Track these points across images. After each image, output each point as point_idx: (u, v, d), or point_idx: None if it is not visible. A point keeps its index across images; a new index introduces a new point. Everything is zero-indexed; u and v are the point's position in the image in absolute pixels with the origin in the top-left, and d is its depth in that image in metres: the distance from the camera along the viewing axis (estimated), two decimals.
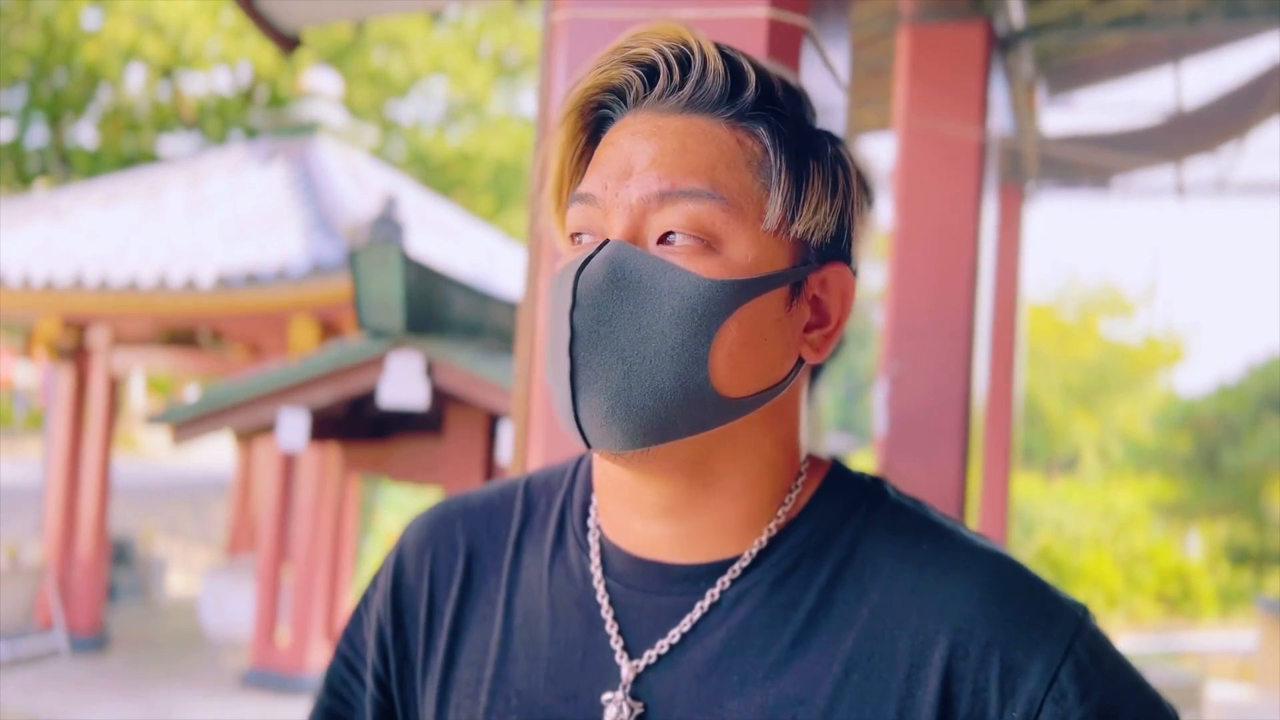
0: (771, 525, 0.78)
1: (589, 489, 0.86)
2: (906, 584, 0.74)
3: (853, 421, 23.44)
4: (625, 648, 0.78)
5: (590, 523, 0.84)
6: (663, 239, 0.72)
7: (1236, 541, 14.66)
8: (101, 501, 8.65)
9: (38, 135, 18.69)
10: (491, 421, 6.22)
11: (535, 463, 1.48)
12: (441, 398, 6.13)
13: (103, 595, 8.74)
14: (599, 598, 0.80)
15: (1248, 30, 4.62)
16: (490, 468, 6.27)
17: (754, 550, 0.77)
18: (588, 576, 0.82)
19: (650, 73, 0.75)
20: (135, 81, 18.50)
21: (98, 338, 8.67)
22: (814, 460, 0.82)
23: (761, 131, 0.74)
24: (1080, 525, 14.25)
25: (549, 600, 0.82)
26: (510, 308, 6.79)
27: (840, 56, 1.49)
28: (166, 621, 9.65)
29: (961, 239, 3.71)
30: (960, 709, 0.70)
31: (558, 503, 0.87)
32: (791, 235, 0.74)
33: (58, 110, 18.23)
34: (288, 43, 3.72)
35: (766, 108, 0.75)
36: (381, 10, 5.40)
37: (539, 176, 1.33)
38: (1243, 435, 14.49)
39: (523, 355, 1.73)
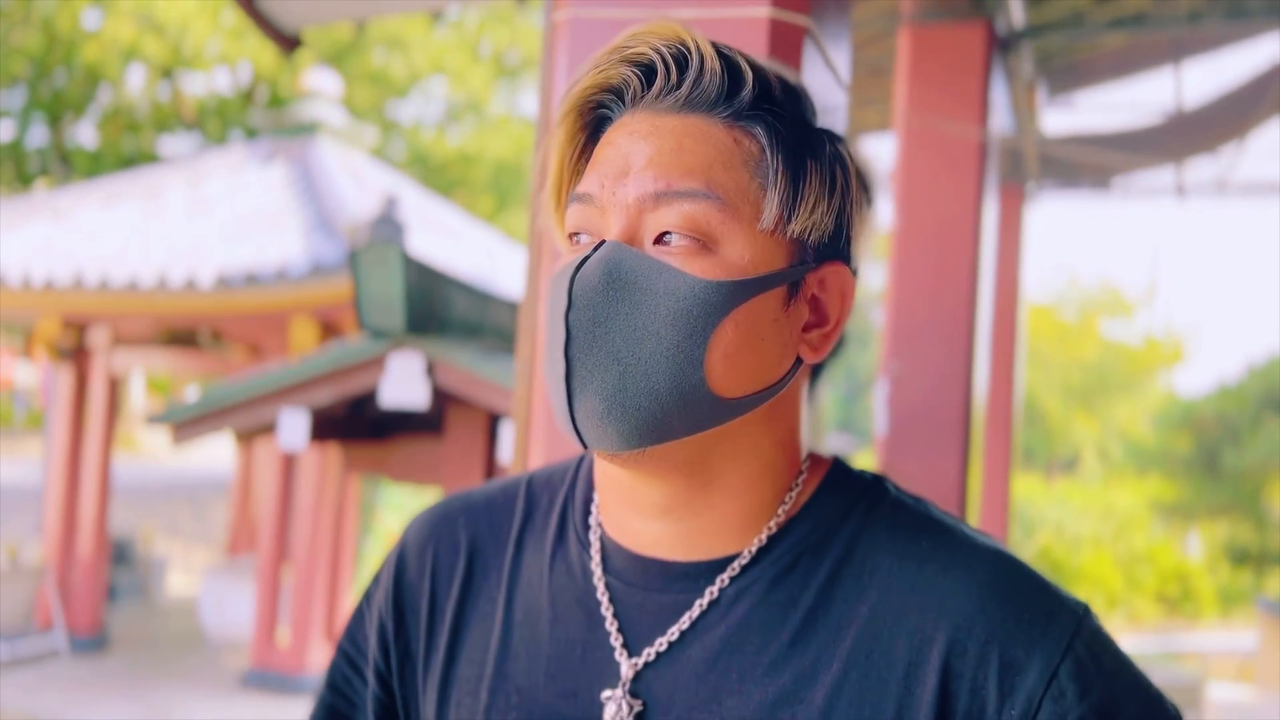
0: (771, 523, 0.78)
1: (591, 487, 0.86)
2: (906, 581, 0.74)
3: (853, 422, 23.44)
4: (625, 645, 0.78)
5: (592, 520, 0.84)
6: (659, 239, 0.72)
7: (1237, 542, 14.65)
8: (101, 501, 8.65)
9: (38, 135, 18.70)
10: (492, 421, 6.22)
11: (536, 463, 1.49)
12: (442, 398, 6.13)
13: (103, 595, 8.74)
14: (599, 595, 0.80)
15: (1248, 30, 4.62)
16: (491, 468, 6.27)
17: (753, 548, 0.77)
18: (588, 574, 0.82)
19: (648, 72, 0.75)
20: (135, 81, 18.51)
21: (98, 338, 8.67)
22: (815, 459, 0.82)
23: (758, 131, 0.74)
24: (1080, 526, 14.25)
25: (549, 598, 0.83)
26: (510, 308, 6.79)
27: (841, 56, 1.49)
28: (166, 621, 9.65)
29: (961, 239, 3.71)
30: (959, 707, 0.70)
31: (559, 500, 0.88)
32: (789, 235, 0.74)
33: (58, 110, 18.24)
34: (288, 43, 3.73)
35: (764, 107, 0.75)
36: (381, 10, 5.40)
37: (539, 176, 1.34)
38: (1243, 436, 14.49)
39: (523, 355, 1.74)
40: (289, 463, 7.69)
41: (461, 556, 0.88)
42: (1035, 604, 0.72)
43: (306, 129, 9.69)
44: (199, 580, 10.01)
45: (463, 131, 20.48)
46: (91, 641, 8.46)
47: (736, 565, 0.77)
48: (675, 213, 0.72)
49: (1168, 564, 13.79)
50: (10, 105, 18.01)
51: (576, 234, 0.77)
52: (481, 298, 6.61)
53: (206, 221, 8.61)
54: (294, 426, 6.20)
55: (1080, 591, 11.97)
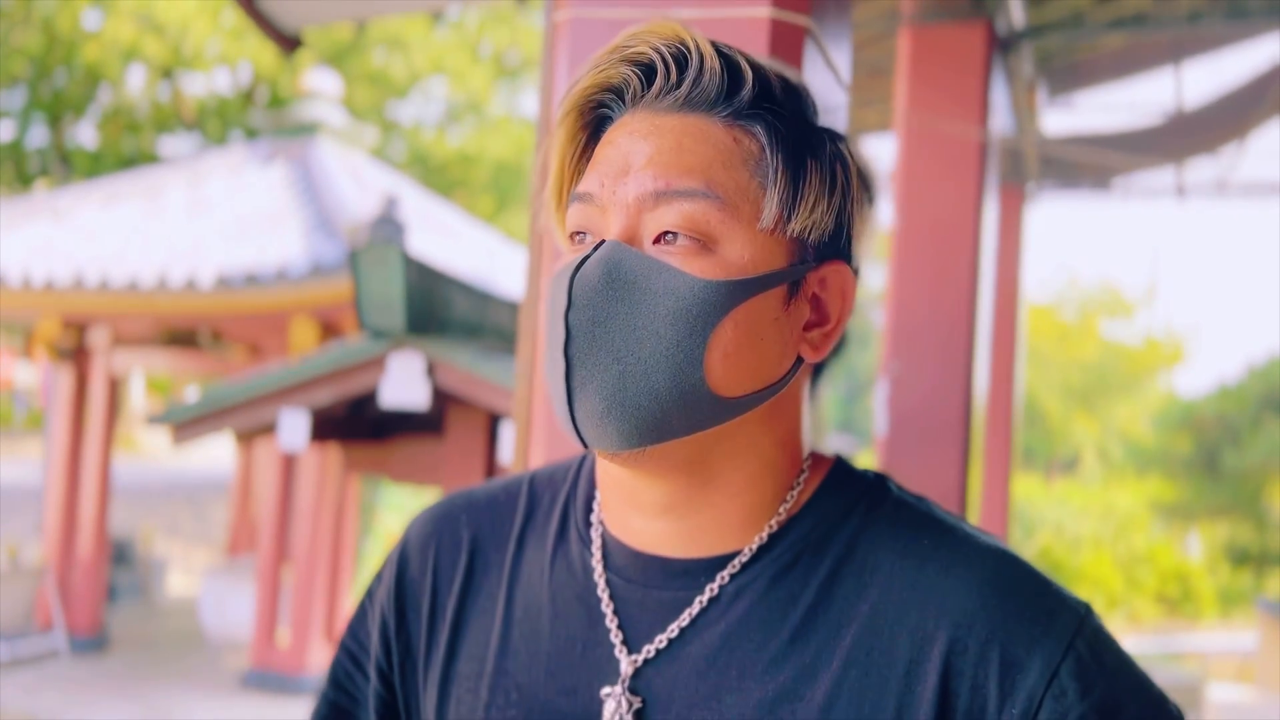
0: (772, 521, 0.78)
1: (592, 485, 0.86)
2: (906, 579, 0.74)
3: (853, 422, 23.44)
4: (625, 642, 0.78)
5: (593, 518, 0.84)
6: (659, 238, 0.72)
7: (1237, 542, 14.65)
8: (101, 502, 8.65)
9: (38, 135, 18.70)
10: (492, 422, 6.22)
11: (536, 463, 1.48)
12: (442, 398, 6.13)
13: (103, 595, 8.74)
14: (600, 592, 0.81)
15: (1248, 31, 4.62)
16: (491, 468, 6.27)
17: (754, 546, 0.77)
18: (589, 571, 0.82)
19: (648, 72, 0.75)
20: (135, 82, 18.51)
21: (98, 338, 8.67)
22: (817, 458, 0.82)
23: (758, 130, 0.74)
24: (1080, 526, 14.25)
25: (550, 595, 0.83)
26: (511, 308, 6.79)
27: (842, 56, 1.49)
28: (166, 622, 9.65)
29: (961, 239, 3.71)
30: (959, 705, 0.70)
31: (561, 498, 0.88)
32: (789, 234, 0.74)
33: (58, 110, 18.24)
34: (288, 43, 3.73)
35: (764, 106, 0.75)
36: (381, 10, 5.40)
37: (540, 176, 1.34)
38: (1243, 436, 14.47)
39: (524, 355, 1.74)
40: (289, 463, 7.69)
41: (463, 554, 0.88)
42: (1037, 603, 0.72)
43: (306, 129, 9.69)
44: (199, 580, 10.01)
45: (463, 132, 20.49)
46: (91, 642, 8.46)
47: (737, 563, 0.77)
48: (675, 212, 0.72)
49: (1168, 564, 13.78)
50: (10, 105, 18.02)
51: (578, 233, 0.77)
52: (481, 298, 6.61)
53: (206, 222, 8.61)
54: (294, 427, 6.20)
55: (1080, 592, 11.91)
